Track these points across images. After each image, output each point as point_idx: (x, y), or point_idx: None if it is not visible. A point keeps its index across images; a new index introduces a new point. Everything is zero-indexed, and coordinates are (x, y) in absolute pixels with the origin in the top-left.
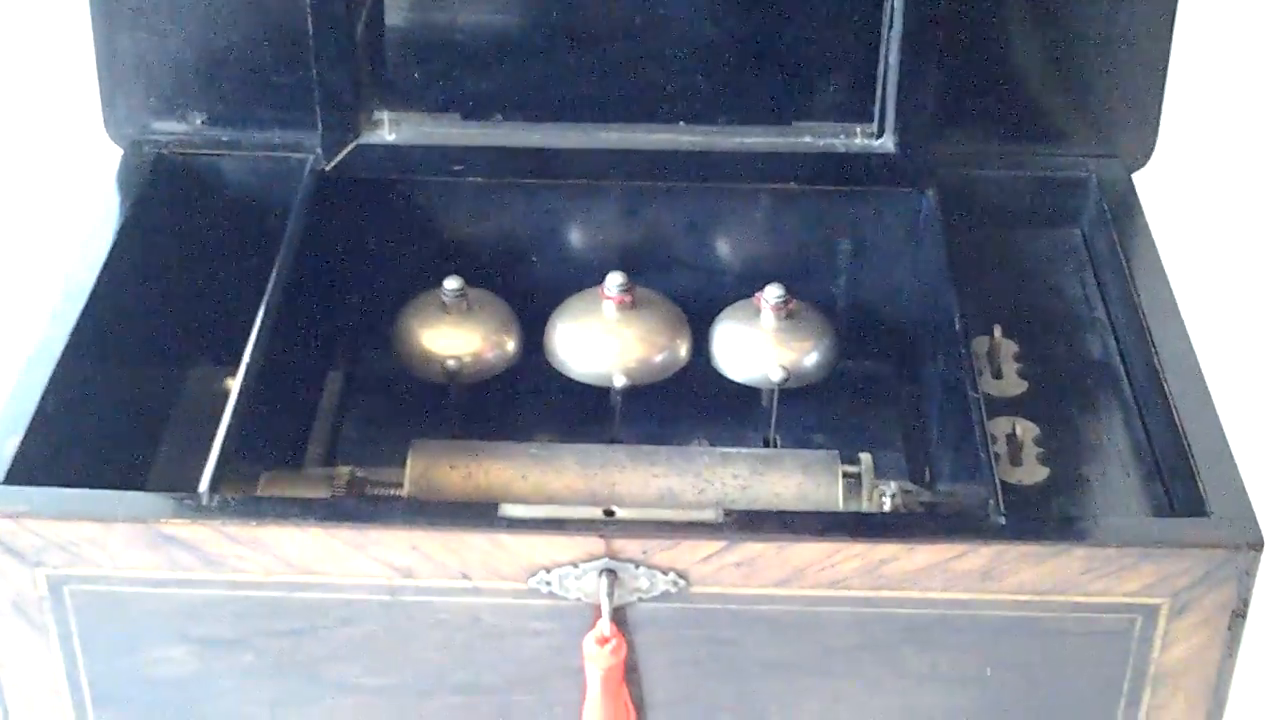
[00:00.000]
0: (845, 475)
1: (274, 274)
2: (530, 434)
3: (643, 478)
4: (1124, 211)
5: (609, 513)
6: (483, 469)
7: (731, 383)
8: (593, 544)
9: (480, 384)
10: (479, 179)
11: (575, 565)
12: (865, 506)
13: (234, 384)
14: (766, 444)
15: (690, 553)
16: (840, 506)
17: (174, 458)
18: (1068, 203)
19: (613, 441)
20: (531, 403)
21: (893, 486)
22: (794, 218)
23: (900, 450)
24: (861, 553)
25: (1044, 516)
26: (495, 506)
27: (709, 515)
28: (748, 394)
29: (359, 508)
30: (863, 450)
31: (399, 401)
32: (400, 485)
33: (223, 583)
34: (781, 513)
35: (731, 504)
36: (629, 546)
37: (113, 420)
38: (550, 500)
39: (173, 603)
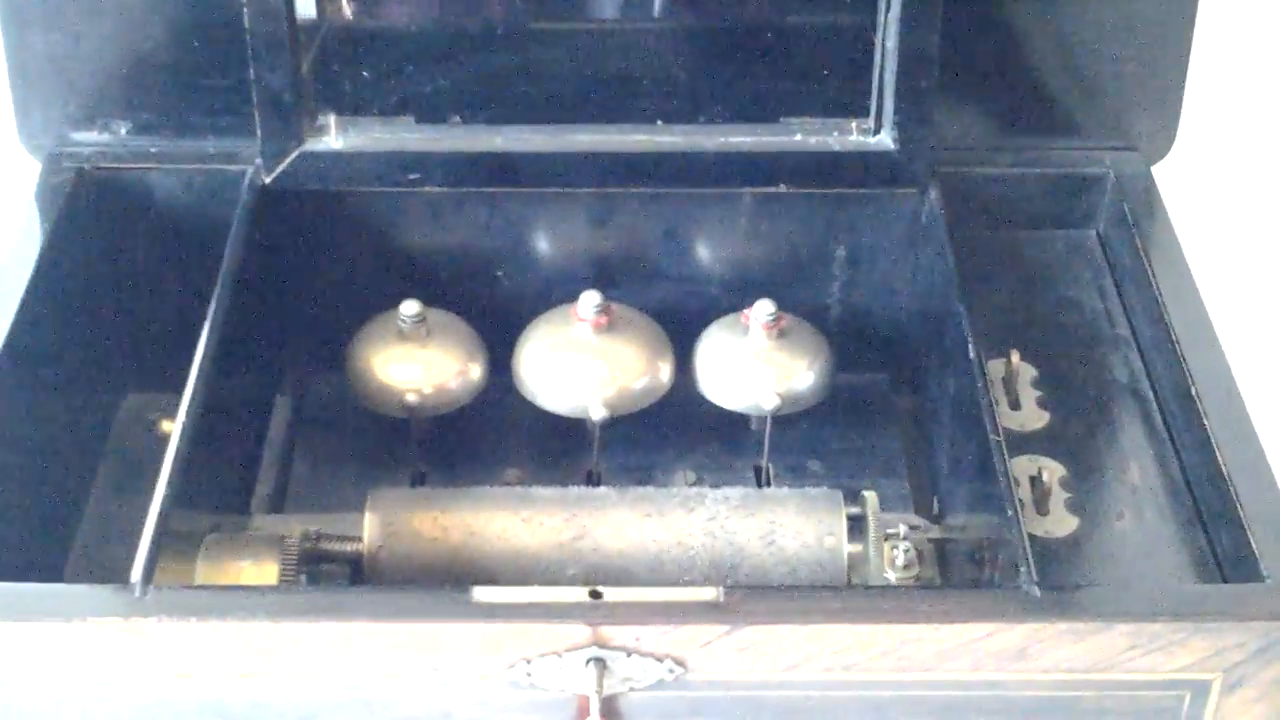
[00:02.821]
0: (849, 517)
1: (214, 299)
2: (499, 470)
3: (629, 530)
4: (1145, 211)
5: (595, 594)
6: (449, 521)
7: (718, 407)
8: (578, 631)
9: (443, 415)
10: (436, 188)
11: (559, 655)
12: (872, 553)
13: (173, 428)
14: (758, 473)
15: (689, 638)
16: (845, 556)
17: (109, 499)
18: (1082, 201)
19: (590, 475)
20: (500, 435)
21: (902, 531)
22: (783, 223)
23: (903, 476)
24: (881, 634)
25: (1082, 587)
26: (466, 590)
27: (709, 595)
28: (736, 418)
29: (312, 600)
30: (863, 478)
31: (353, 433)
32: (358, 539)
33: (160, 682)
34: (790, 588)
35: (726, 562)
36: (619, 633)
37: (40, 461)
38: (527, 559)
39: (104, 706)
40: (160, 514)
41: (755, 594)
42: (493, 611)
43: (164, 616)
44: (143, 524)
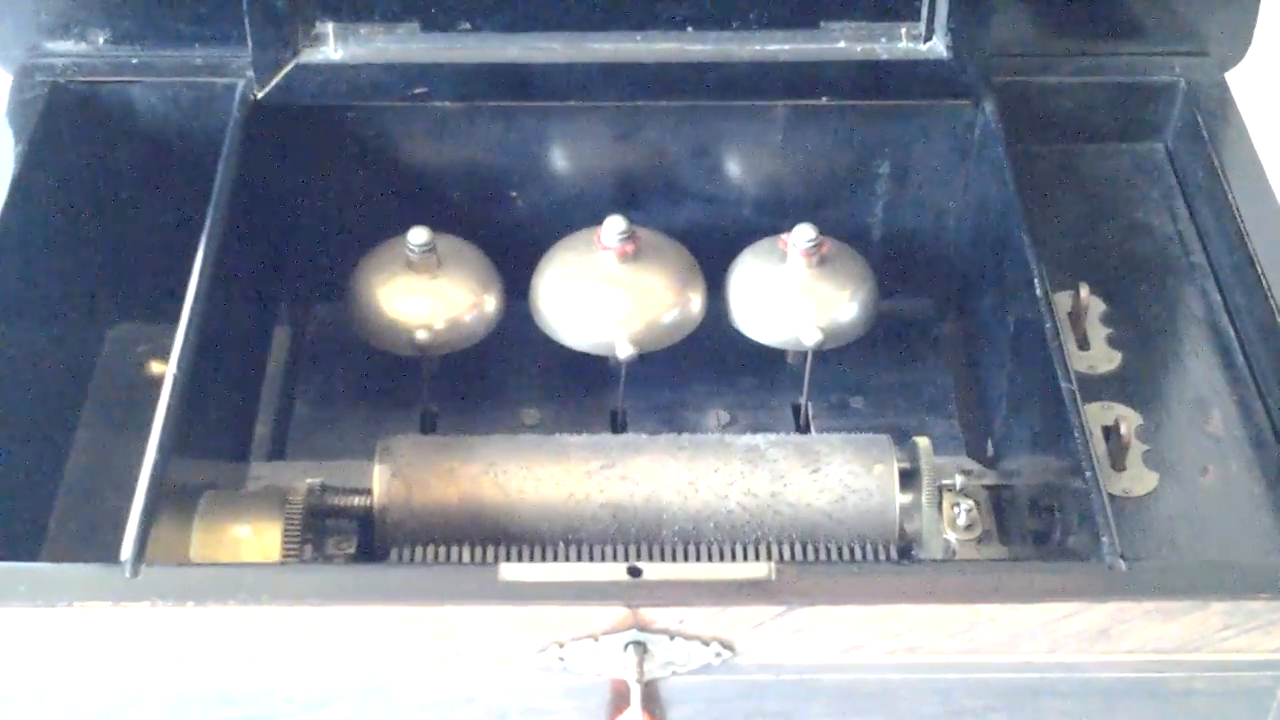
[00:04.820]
0: (902, 472)
1: (207, 225)
2: (516, 410)
3: (661, 458)
4: (1219, 122)
5: (635, 571)
6: (466, 475)
7: (752, 341)
8: (616, 613)
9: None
10: (444, 103)
11: (595, 638)
12: (925, 502)
13: (166, 371)
14: (796, 412)
15: (738, 620)
16: (895, 485)
17: (97, 442)
18: (1149, 112)
19: (615, 416)
20: (516, 372)
21: (959, 483)
22: (822, 138)
23: (953, 415)
24: (951, 614)
25: (1172, 562)
26: (493, 568)
27: (760, 572)
28: (770, 351)
29: (322, 580)
30: (911, 416)
31: (357, 369)
32: (367, 492)
33: (155, 670)
34: (849, 562)
35: (766, 489)
36: (662, 615)
37: (21, 402)
38: (551, 490)
39: (93, 696)
40: (152, 481)
41: (811, 571)
42: (522, 592)
43: (158, 600)
44: (134, 471)
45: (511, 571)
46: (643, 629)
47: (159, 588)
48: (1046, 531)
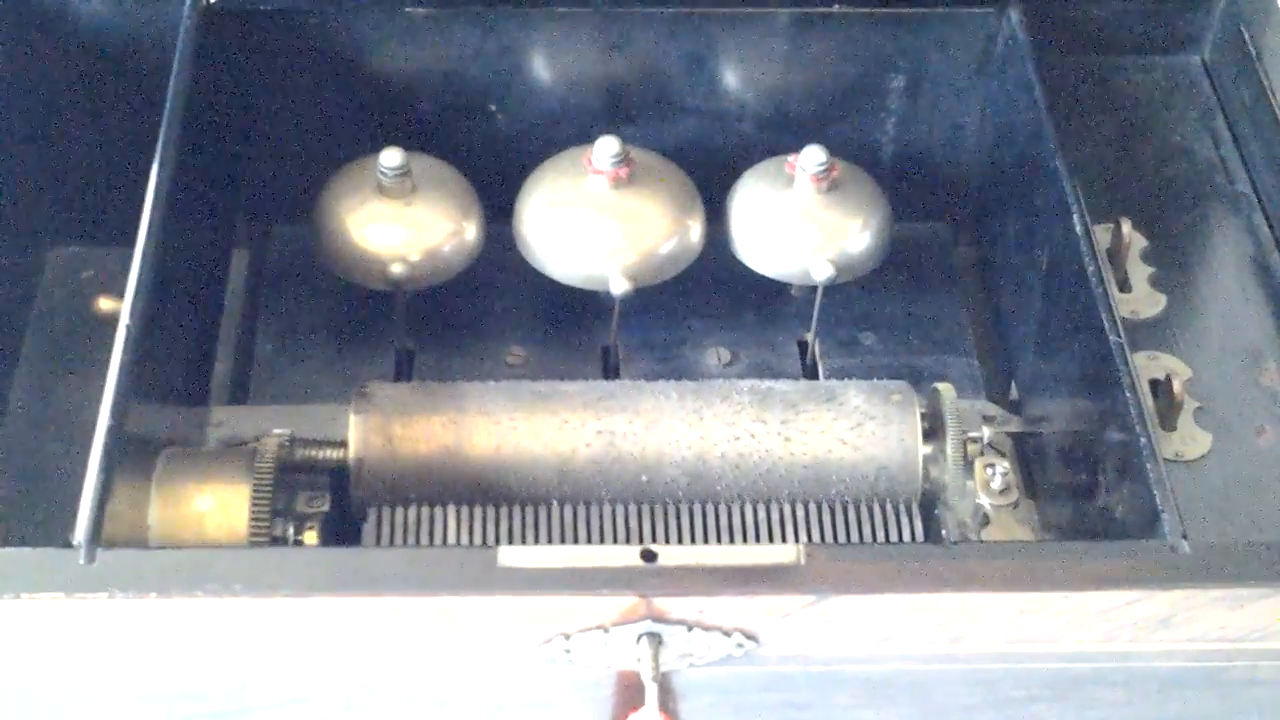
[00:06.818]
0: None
1: (160, 142)
2: (499, 347)
3: (662, 391)
4: (1264, 34)
5: (649, 555)
6: (451, 417)
7: (755, 273)
8: (628, 603)
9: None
10: (418, 8)
11: (605, 629)
12: (950, 456)
13: (121, 314)
14: (803, 349)
15: (764, 609)
16: (919, 443)
17: (39, 380)
18: (1185, 21)
19: (607, 354)
20: (499, 306)
21: (986, 435)
22: (829, 48)
23: (971, 353)
24: (998, 603)
25: (1241, 546)
26: (491, 553)
27: (788, 556)
28: (774, 283)
29: (300, 567)
30: (926, 355)
31: (323, 297)
32: (341, 444)
33: (114, 663)
34: (885, 545)
35: (777, 417)
36: (679, 606)
37: None
38: (542, 425)
39: (47, 691)
40: (106, 451)
41: (844, 554)
42: (524, 580)
43: (117, 591)
44: (81, 415)
45: (511, 556)
46: (657, 619)
47: (118, 576)
48: (1084, 489)
